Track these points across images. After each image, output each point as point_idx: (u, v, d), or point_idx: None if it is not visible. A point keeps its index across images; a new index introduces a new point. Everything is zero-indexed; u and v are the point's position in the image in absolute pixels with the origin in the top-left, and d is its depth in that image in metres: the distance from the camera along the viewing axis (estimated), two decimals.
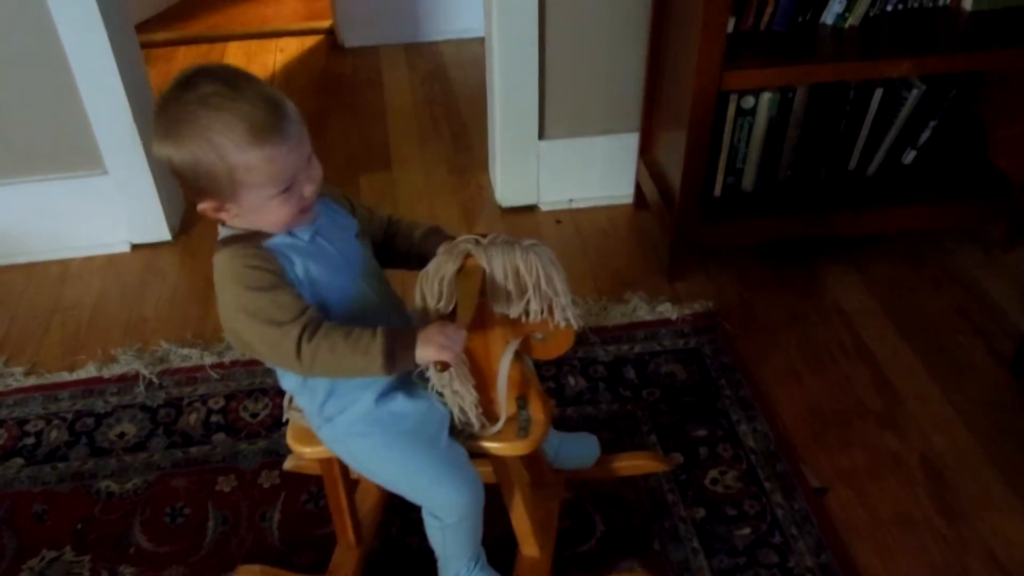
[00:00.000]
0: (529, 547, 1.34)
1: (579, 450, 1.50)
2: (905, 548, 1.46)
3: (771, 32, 1.83)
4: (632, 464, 1.53)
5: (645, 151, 2.15)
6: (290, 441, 1.26)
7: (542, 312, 1.11)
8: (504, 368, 1.15)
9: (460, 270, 1.09)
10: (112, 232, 2.15)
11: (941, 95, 1.95)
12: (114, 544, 1.49)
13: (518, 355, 1.17)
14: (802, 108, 1.92)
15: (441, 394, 1.17)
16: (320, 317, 1.05)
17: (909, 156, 2.06)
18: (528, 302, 1.10)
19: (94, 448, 1.66)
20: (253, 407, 1.73)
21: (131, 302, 2.02)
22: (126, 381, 1.79)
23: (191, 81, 0.97)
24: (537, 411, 1.21)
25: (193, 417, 1.71)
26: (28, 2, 1.83)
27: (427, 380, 1.17)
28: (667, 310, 1.91)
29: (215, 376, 1.79)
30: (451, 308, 1.10)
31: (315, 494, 1.55)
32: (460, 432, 1.20)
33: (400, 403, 1.17)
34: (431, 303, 1.10)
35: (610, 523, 1.50)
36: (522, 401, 1.21)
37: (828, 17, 1.84)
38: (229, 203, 1.01)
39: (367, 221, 1.21)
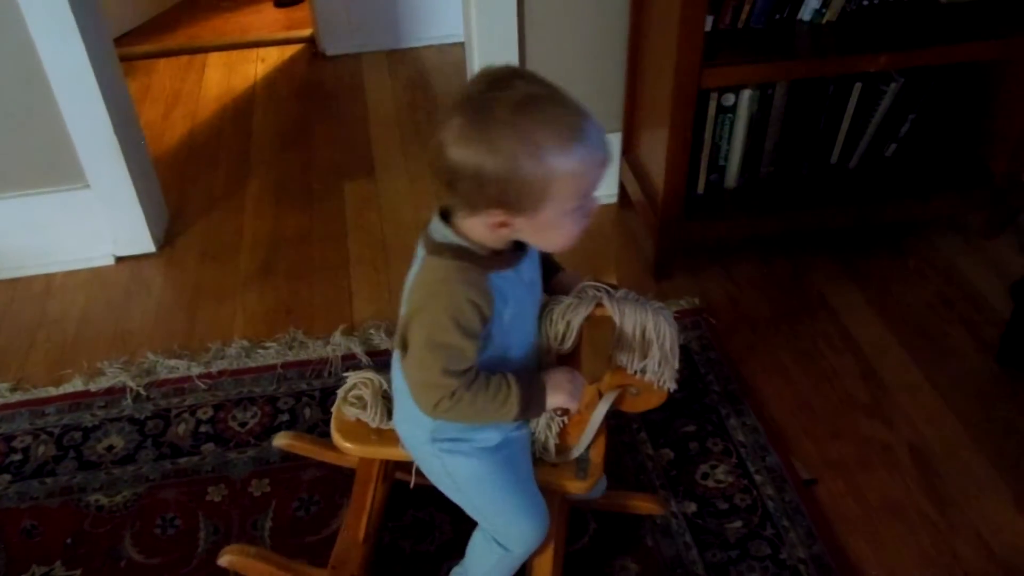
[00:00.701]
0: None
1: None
2: (895, 536, 1.47)
3: (749, 29, 1.84)
4: (636, 504, 1.52)
5: (628, 151, 2.15)
6: (335, 433, 1.25)
7: (662, 373, 1.15)
8: (599, 415, 1.19)
9: (589, 317, 1.12)
10: (96, 245, 2.14)
11: (920, 87, 1.96)
12: (105, 557, 1.48)
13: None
14: (782, 104, 1.93)
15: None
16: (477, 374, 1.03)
17: (890, 149, 2.08)
18: (648, 361, 1.14)
19: (82, 462, 1.64)
20: (242, 416, 1.72)
21: (116, 315, 2.01)
22: (113, 394, 1.78)
23: (504, 81, 0.92)
24: (597, 455, 1.23)
25: (182, 428, 1.70)
26: (4, 16, 1.82)
27: None
28: None
29: (203, 386, 1.79)
30: (571, 350, 1.14)
31: (306, 501, 1.55)
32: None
33: (509, 429, 1.15)
34: (553, 342, 1.13)
35: (602, 521, 1.50)
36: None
37: (805, 13, 1.85)
38: (522, 216, 0.94)
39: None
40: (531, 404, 1.05)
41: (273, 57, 3.16)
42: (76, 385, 1.80)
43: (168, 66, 3.11)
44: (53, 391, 1.79)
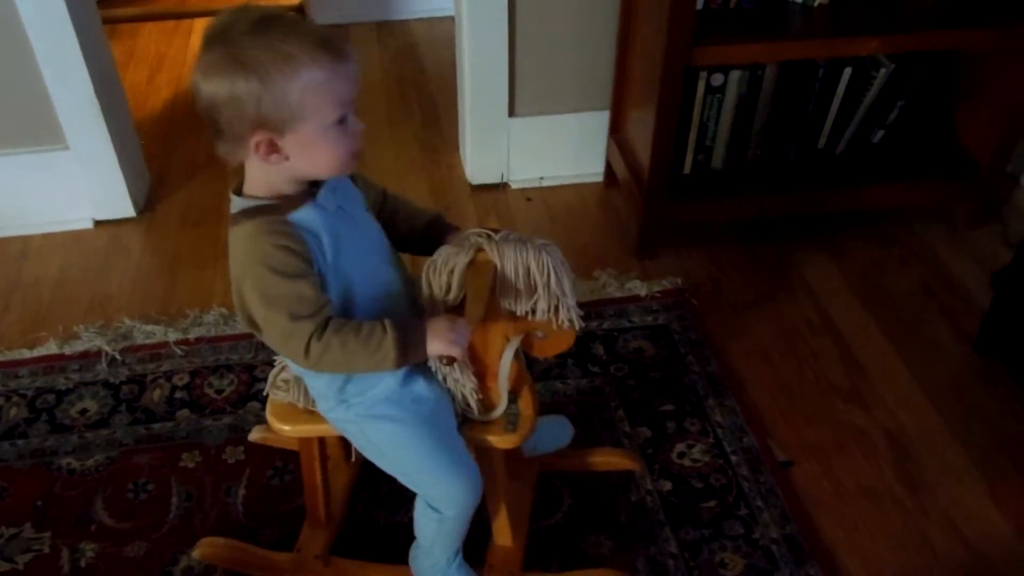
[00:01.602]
0: (503, 538, 1.34)
1: (554, 432, 1.49)
2: (868, 519, 1.48)
3: (740, 9, 1.82)
4: (606, 460, 1.52)
5: (615, 129, 2.14)
6: (270, 417, 1.24)
7: (551, 311, 1.12)
8: (506, 363, 1.16)
9: (470, 263, 1.09)
10: (74, 208, 2.11)
11: (909, 74, 1.96)
12: (75, 521, 1.47)
13: (516, 351, 1.17)
14: (771, 86, 1.92)
15: (444, 377, 1.17)
16: (333, 312, 1.02)
17: (878, 135, 2.07)
18: (537, 301, 1.11)
19: (55, 425, 1.63)
20: (218, 383, 1.71)
21: (94, 279, 1.99)
22: (88, 358, 1.76)
23: (236, 13, 0.94)
24: (526, 406, 1.21)
25: (157, 393, 1.69)
26: None
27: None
28: (636, 287, 1.91)
29: (179, 352, 1.77)
30: (459, 300, 1.11)
31: (280, 469, 1.54)
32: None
33: (422, 387, 1.15)
34: (439, 294, 1.11)
35: (577, 497, 1.50)
36: (512, 395, 1.21)
37: None
38: (287, 135, 0.96)
39: (365, 191, 1.17)
40: (409, 349, 1.03)
41: None
42: (50, 348, 1.78)
43: (154, 30, 3.06)
44: (27, 353, 1.77)
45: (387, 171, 2.33)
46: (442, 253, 1.10)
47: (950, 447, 1.60)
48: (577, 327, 1.14)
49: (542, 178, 2.26)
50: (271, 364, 1.71)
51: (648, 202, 1.92)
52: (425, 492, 1.20)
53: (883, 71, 1.93)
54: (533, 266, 1.08)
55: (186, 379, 1.72)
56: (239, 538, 1.41)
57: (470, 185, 2.26)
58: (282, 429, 1.23)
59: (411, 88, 2.72)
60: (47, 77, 1.93)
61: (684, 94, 1.79)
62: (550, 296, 1.10)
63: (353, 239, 1.07)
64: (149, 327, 1.82)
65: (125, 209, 2.14)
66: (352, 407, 1.14)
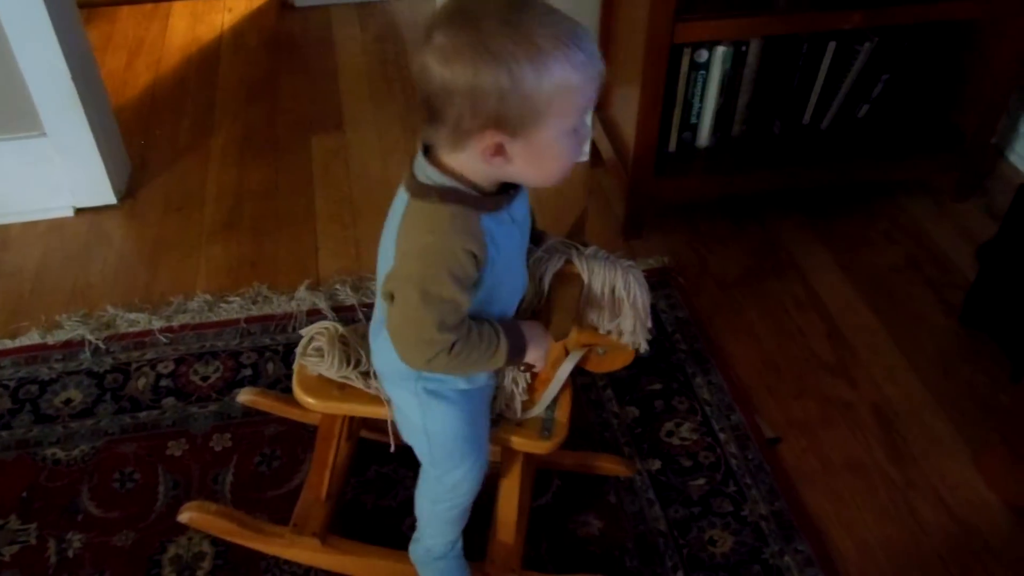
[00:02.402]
0: (508, 534, 1.33)
1: None
2: (856, 493, 1.48)
3: None
4: (603, 466, 1.51)
5: (600, 107, 2.13)
6: (296, 388, 1.21)
7: (634, 332, 1.13)
8: (564, 374, 1.16)
9: (558, 274, 1.10)
10: (54, 196, 2.08)
11: (893, 48, 1.95)
12: (61, 511, 1.46)
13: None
14: (756, 62, 1.91)
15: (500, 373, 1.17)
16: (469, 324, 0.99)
17: (862, 110, 2.07)
18: (622, 320, 1.12)
19: (39, 415, 1.61)
20: (204, 371, 1.70)
21: (76, 267, 1.96)
22: (71, 347, 1.74)
23: None
24: (563, 415, 1.21)
25: (142, 382, 1.68)
26: None
27: None
28: None
29: (164, 340, 1.76)
30: (538, 306, 1.12)
31: (268, 456, 1.53)
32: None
33: (484, 376, 1.13)
34: (523, 299, 1.11)
35: (566, 478, 1.50)
36: (552, 403, 1.21)
37: None
38: (520, 138, 0.86)
39: None
40: (516, 355, 1.03)
41: (240, 7, 3.08)
42: (33, 338, 1.76)
43: (131, 14, 3.02)
44: (9, 343, 1.75)
45: (371, 153, 2.31)
46: (532, 259, 1.11)
47: (936, 419, 1.60)
48: (643, 350, 1.16)
49: None
50: (257, 351, 1.72)
51: (634, 181, 1.91)
52: (442, 473, 1.17)
53: (867, 45, 1.92)
54: (619, 285, 1.10)
55: (171, 367, 1.70)
56: None
57: None
58: (309, 402, 1.20)
59: (393, 69, 2.69)
60: (22, 63, 1.90)
61: (668, 71, 1.78)
62: (636, 316, 1.12)
63: (518, 247, 1.04)
64: (133, 315, 1.81)
65: (106, 196, 2.12)
66: (428, 381, 1.09)
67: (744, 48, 1.87)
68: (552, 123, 0.85)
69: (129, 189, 2.19)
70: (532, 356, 1.06)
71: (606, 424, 1.59)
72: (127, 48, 2.82)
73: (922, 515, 1.45)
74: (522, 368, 1.10)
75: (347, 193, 2.17)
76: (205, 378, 1.68)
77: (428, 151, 0.94)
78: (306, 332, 1.24)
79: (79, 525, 1.44)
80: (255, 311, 1.81)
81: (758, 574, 1.37)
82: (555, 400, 1.21)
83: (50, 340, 1.76)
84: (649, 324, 1.14)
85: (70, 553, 1.40)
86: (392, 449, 1.28)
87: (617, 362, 1.20)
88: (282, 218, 2.09)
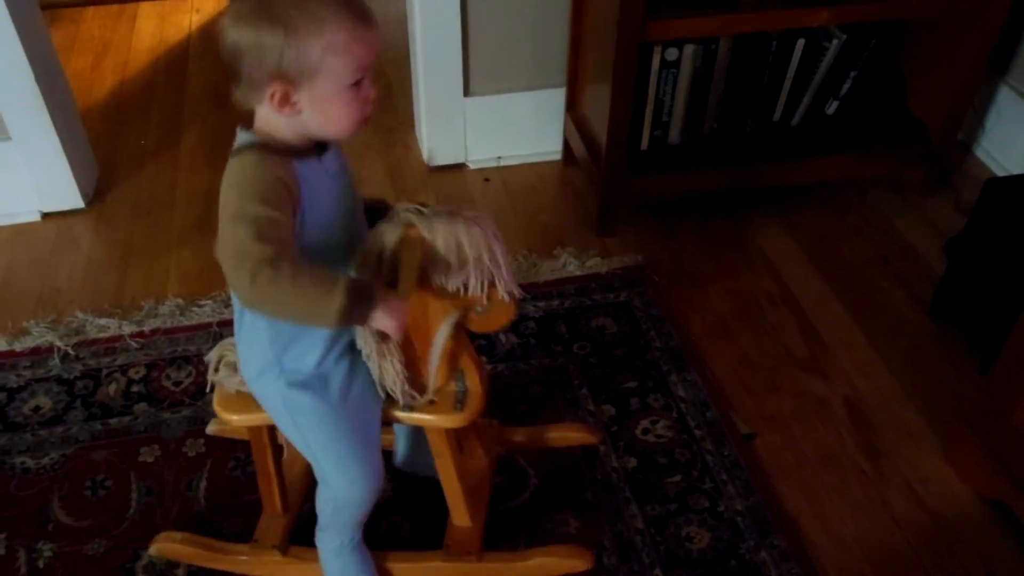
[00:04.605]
0: (460, 517, 1.33)
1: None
2: (829, 487, 1.50)
3: None
4: (563, 436, 1.52)
5: (572, 106, 2.13)
6: (217, 407, 1.22)
7: (482, 286, 1.08)
8: (440, 341, 1.13)
9: (401, 240, 1.06)
10: (19, 201, 2.05)
11: (861, 45, 1.97)
12: (31, 521, 1.43)
13: (455, 328, 1.14)
14: (726, 60, 1.92)
15: (370, 357, 1.14)
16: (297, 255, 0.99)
17: (832, 106, 2.09)
18: (468, 276, 1.07)
19: (7, 423, 1.59)
20: (176, 375, 1.68)
21: (43, 273, 1.93)
22: (40, 354, 1.72)
23: None
24: (474, 383, 1.19)
25: (112, 388, 1.65)
26: None
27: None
28: (597, 264, 1.91)
29: (135, 345, 1.73)
30: (391, 279, 1.06)
31: (242, 460, 1.52)
32: (392, 403, 1.18)
33: (348, 370, 1.14)
34: (368, 272, 1.07)
35: (543, 476, 1.50)
36: (459, 373, 1.19)
37: None
38: (303, 89, 0.97)
39: None
40: (354, 310, 0.98)
41: (209, 7, 3.05)
42: (0, 345, 1.73)
43: (96, 15, 2.98)
44: None
45: (343, 151, 2.29)
46: (373, 231, 1.07)
47: (907, 412, 1.62)
48: (516, 297, 1.11)
49: (500, 158, 2.24)
50: None
51: (606, 179, 1.92)
52: (326, 474, 1.20)
53: (835, 42, 1.93)
54: (464, 240, 1.05)
55: (142, 372, 1.68)
56: (202, 531, 1.39)
57: (427, 166, 2.24)
58: (231, 419, 1.21)
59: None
60: None
61: (639, 69, 1.79)
62: (482, 271, 1.07)
63: (336, 198, 1.07)
64: (102, 320, 1.78)
65: (73, 200, 2.09)
66: (284, 373, 1.11)
67: (714, 46, 1.88)
68: (328, 76, 0.97)
69: (97, 192, 2.16)
70: (383, 322, 1.01)
71: (582, 423, 1.59)
72: (93, 50, 2.78)
73: (895, 508, 1.47)
74: (376, 336, 1.05)
75: None
76: (177, 383, 1.66)
77: (245, 122, 1.05)
78: (214, 352, 1.23)
79: (50, 534, 1.41)
80: (227, 314, 1.80)
81: (735, 569, 1.37)
82: (461, 371, 1.18)
83: (18, 347, 1.73)
84: (506, 273, 1.08)
85: (40, 563, 1.38)
86: (284, 456, 1.30)
87: (501, 318, 1.14)
88: None
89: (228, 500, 1.46)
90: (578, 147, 2.07)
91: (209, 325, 1.78)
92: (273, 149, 1.00)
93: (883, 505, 1.47)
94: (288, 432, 1.18)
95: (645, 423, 1.59)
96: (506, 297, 1.10)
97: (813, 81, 2.00)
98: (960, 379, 1.68)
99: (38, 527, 1.42)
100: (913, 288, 1.88)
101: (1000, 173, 2.15)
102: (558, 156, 2.25)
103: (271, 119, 1.02)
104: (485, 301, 1.10)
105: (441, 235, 1.05)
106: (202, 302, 1.82)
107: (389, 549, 1.35)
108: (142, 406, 1.62)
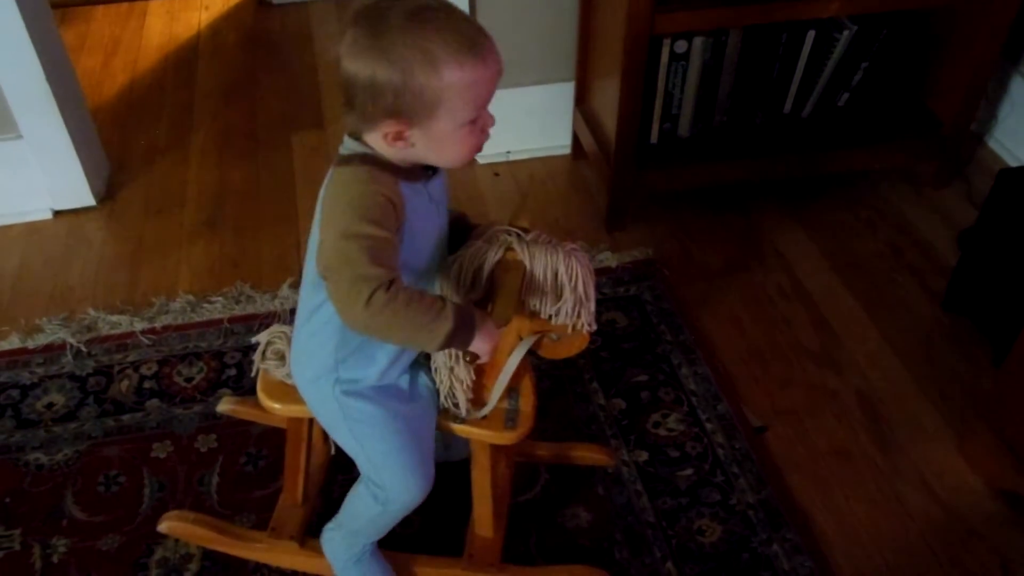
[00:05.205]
0: (485, 528, 1.33)
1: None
2: (842, 480, 1.49)
3: None
4: (583, 455, 1.51)
5: (581, 100, 2.12)
6: (260, 395, 1.21)
7: (574, 316, 1.10)
8: (513, 363, 1.14)
9: (499, 262, 1.08)
10: (32, 199, 2.06)
11: (872, 36, 1.95)
12: (45, 516, 1.44)
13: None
14: (735, 52, 1.91)
15: (437, 370, 1.16)
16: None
17: (843, 98, 2.07)
18: (563, 304, 1.10)
19: (20, 420, 1.60)
20: (187, 372, 1.68)
21: (55, 270, 1.94)
22: (52, 351, 1.73)
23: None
24: (527, 404, 1.20)
25: (125, 384, 1.66)
26: None
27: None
28: (607, 258, 1.90)
29: (147, 342, 1.74)
30: (479, 297, 1.09)
31: (254, 456, 1.52)
32: (446, 412, 1.19)
33: (407, 382, 1.14)
34: (461, 289, 1.09)
35: (554, 470, 1.50)
36: (514, 393, 1.20)
37: None
38: (417, 127, 0.95)
39: None
40: (458, 334, 0.99)
41: (217, 5, 3.05)
42: (13, 343, 1.74)
43: (106, 14, 2.99)
44: None
45: None
46: (471, 248, 1.09)
47: (920, 405, 1.61)
48: (590, 331, 1.13)
49: (509, 152, 2.24)
50: (241, 351, 1.71)
51: (616, 173, 1.91)
52: (381, 481, 1.17)
53: (846, 33, 1.92)
54: (562, 270, 1.08)
55: (154, 368, 1.69)
56: None
57: None
58: (273, 407, 1.20)
59: None
60: None
61: (648, 62, 1.78)
62: (577, 300, 1.10)
63: (434, 225, 1.07)
64: (114, 317, 1.79)
65: (84, 198, 2.10)
66: (341, 382, 1.11)
67: (724, 38, 1.87)
68: (446, 116, 0.95)
69: (108, 191, 2.17)
70: (478, 346, 1.03)
71: (593, 417, 1.59)
72: (103, 48, 2.79)
73: (908, 501, 1.46)
74: (467, 359, 1.07)
75: None
76: (189, 379, 1.67)
77: (354, 135, 1.02)
78: (262, 337, 1.23)
79: (64, 530, 1.42)
80: (238, 310, 1.80)
81: (746, 563, 1.37)
82: (517, 390, 1.19)
83: (31, 344, 1.74)
84: (593, 307, 1.11)
85: (55, 559, 1.39)
86: (332, 453, 1.29)
87: (572, 347, 1.17)
88: (264, 216, 2.08)
89: (240, 495, 1.47)
90: (587, 141, 2.06)
91: (220, 321, 1.78)
92: (383, 165, 0.99)
93: (896, 498, 1.46)
94: (342, 438, 1.17)
95: (656, 417, 1.58)
96: (587, 329, 1.12)
97: (824, 73, 1.99)
98: (973, 371, 1.67)
99: (52, 523, 1.43)
100: (926, 280, 1.87)
101: (1013, 164, 2.14)
102: (567, 150, 2.24)
103: (381, 145, 0.99)
104: (569, 331, 1.12)
105: (540, 262, 1.08)
106: (213, 298, 1.83)
107: (400, 544, 1.35)
108: (154, 402, 1.63)
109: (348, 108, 0.97)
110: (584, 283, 1.09)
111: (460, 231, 1.14)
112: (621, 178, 1.92)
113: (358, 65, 0.92)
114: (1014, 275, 1.61)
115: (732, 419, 1.57)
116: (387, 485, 1.17)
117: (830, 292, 1.85)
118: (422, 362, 1.19)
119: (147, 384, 1.66)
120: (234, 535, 1.36)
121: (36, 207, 2.08)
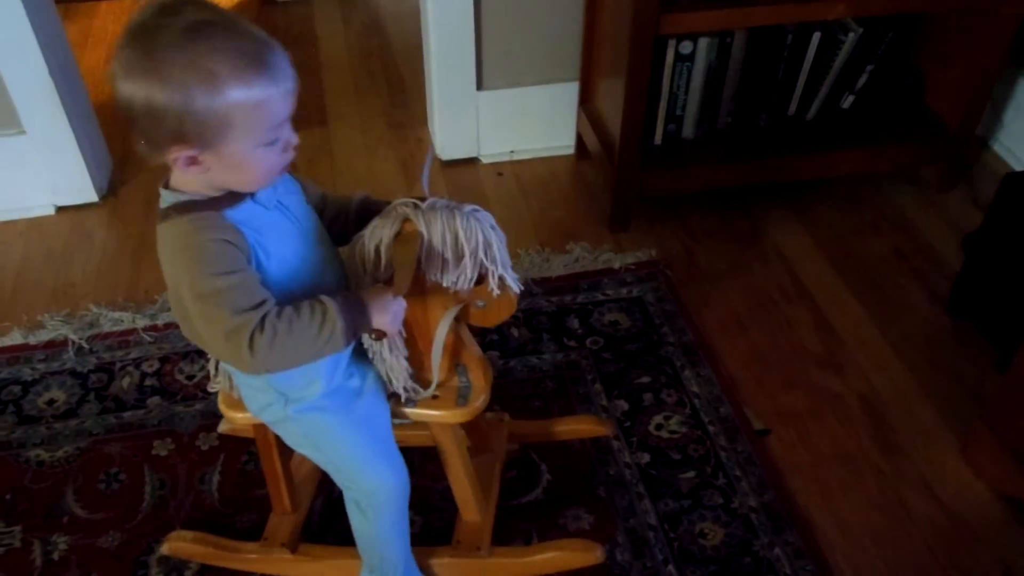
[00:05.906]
0: (469, 512, 1.32)
1: None
2: (845, 484, 1.49)
3: None
4: (573, 428, 1.51)
5: (585, 100, 2.12)
6: (222, 406, 1.21)
7: (472, 280, 1.06)
8: (440, 336, 1.12)
9: (398, 235, 1.04)
10: (34, 195, 2.06)
11: (878, 38, 1.95)
12: (46, 513, 1.44)
13: (456, 322, 1.13)
14: (740, 53, 1.90)
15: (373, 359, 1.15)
16: (273, 307, 0.94)
17: (847, 100, 2.07)
18: (461, 269, 1.05)
19: (22, 416, 1.59)
20: (189, 369, 1.68)
21: (57, 266, 1.94)
22: (54, 347, 1.72)
23: (173, 8, 0.85)
24: (477, 378, 1.18)
25: (126, 381, 1.66)
26: None
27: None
28: (610, 259, 1.90)
29: (148, 339, 1.74)
30: (389, 275, 1.05)
31: (255, 455, 1.52)
32: (398, 399, 1.17)
33: (357, 380, 1.13)
34: (365, 270, 1.06)
35: (556, 472, 1.49)
36: (461, 368, 1.19)
37: None
38: (208, 151, 0.88)
39: (304, 186, 1.11)
40: (354, 319, 0.96)
41: (221, 2, 3.02)
42: (15, 338, 1.74)
43: (110, 9, 2.98)
44: None
45: (355, 148, 2.30)
46: (369, 227, 1.05)
47: (924, 409, 1.61)
48: (515, 293, 1.09)
49: (512, 152, 2.23)
50: None
51: (620, 173, 1.91)
52: (352, 483, 1.17)
53: (851, 35, 1.92)
54: (461, 233, 1.03)
55: (156, 365, 1.69)
56: (215, 525, 1.40)
57: (440, 161, 2.23)
58: (235, 418, 1.20)
59: (377, 63, 2.67)
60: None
61: (653, 63, 1.77)
62: (476, 264, 1.05)
63: (293, 234, 1.02)
64: (116, 314, 1.79)
65: (87, 194, 2.09)
66: (291, 403, 1.09)
67: (729, 39, 1.87)
68: (239, 139, 0.88)
69: (111, 187, 2.17)
70: (381, 321, 1.00)
71: (592, 415, 1.58)
72: (107, 44, 2.79)
73: (911, 505, 1.45)
74: (373, 336, 1.03)
75: (332, 188, 2.14)
76: (191, 377, 1.67)
77: (167, 183, 0.97)
78: (211, 361, 1.22)
79: (64, 527, 1.42)
80: None
81: (748, 566, 1.37)
82: (465, 366, 1.18)
83: (32, 340, 1.74)
84: (506, 266, 1.07)
85: (55, 555, 1.38)
86: (294, 456, 1.30)
87: (501, 313, 1.13)
88: None
89: (241, 494, 1.47)
90: (591, 141, 2.06)
91: None
92: (202, 205, 0.93)
93: (899, 503, 1.46)
94: (307, 452, 1.17)
95: (658, 419, 1.58)
96: (495, 291, 1.08)
97: (829, 75, 1.99)
98: (977, 376, 1.66)
99: (53, 520, 1.43)
100: (930, 284, 1.87)
101: (1018, 168, 2.13)
102: (571, 150, 2.24)
103: (182, 176, 0.94)
104: (477, 296, 1.09)
105: (438, 229, 1.03)
106: None
107: None
108: (155, 400, 1.62)
109: (135, 132, 0.90)
110: (485, 243, 1.04)
111: (369, 214, 1.09)
112: (625, 179, 1.91)
113: (134, 87, 0.85)
114: (1019, 280, 1.61)
115: (735, 422, 1.57)
116: (358, 484, 1.17)
117: (834, 295, 1.85)
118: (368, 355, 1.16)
119: (149, 381, 1.66)
120: (230, 549, 1.36)
121: (39, 203, 2.07)
